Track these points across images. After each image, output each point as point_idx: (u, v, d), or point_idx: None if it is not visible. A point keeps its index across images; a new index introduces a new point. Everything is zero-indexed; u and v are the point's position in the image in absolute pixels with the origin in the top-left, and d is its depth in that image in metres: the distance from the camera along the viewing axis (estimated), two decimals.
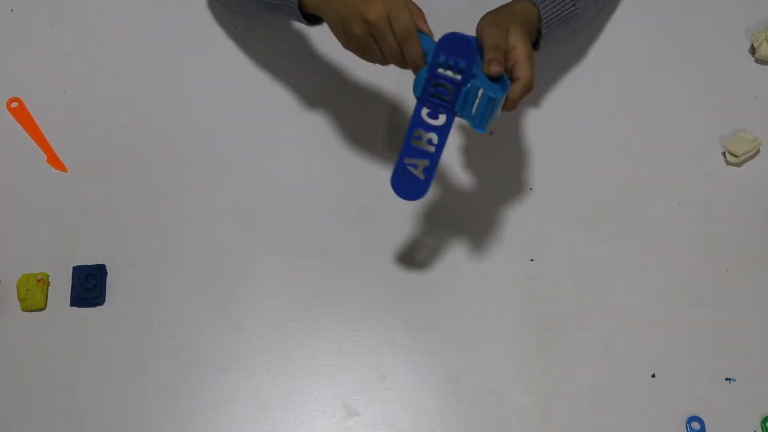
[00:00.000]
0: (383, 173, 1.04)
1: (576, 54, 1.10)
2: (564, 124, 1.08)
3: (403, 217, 1.02)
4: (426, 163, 0.87)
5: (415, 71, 0.85)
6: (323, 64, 1.10)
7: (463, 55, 0.82)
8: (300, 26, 1.10)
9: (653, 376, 0.95)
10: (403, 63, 0.86)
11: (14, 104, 1.07)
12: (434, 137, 0.86)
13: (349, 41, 0.88)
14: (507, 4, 0.94)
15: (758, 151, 1.06)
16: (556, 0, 0.96)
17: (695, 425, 0.93)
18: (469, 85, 0.83)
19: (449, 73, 0.83)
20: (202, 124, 1.07)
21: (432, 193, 1.02)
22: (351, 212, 1.02)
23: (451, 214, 1.02)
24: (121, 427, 0.92)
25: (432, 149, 0.86)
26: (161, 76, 1.09)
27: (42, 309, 0.97)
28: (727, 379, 0.95)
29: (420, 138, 0.86)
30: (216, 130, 1.07)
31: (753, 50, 1.12)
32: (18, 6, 1.14)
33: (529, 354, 0.96)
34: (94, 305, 0.97)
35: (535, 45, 0.95)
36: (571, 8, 0.98)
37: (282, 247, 1.00)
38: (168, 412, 0.93)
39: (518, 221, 1.02)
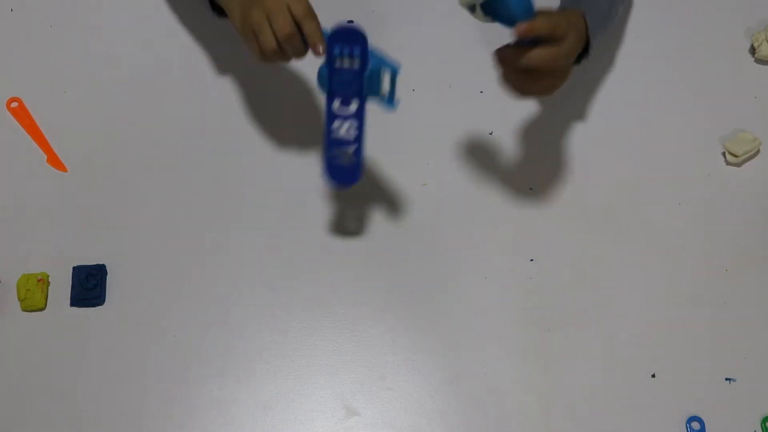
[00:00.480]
0: (383, 173, 1.04)
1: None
2: (564, 124, 1.08)
3: (403, 217, 1.02)
4: (351, 149, 0.90)
5: (316, 52, 0.86)
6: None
7: (355, 41, 0.86)
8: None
9: (653, 376, 0.95)
10: (289, 39, 0.86)
11: (14, 104, 1.07)
12: (353, 123, 0.90)
13: (244, 27, 0.89)
14: (566, 10, 0.94)
15: (758, 151, 1.06)
16: (597, 11, 0.96)
17: (695, 425, 0.93)
18: (368, 73, 0.87)
19: (346, 63, 0.87)
20: (202, 124, 1.07)
21: (432, 193, 1.02)
22: (351, 212, 1.02)
23: (451, 214, 1.02)
24: (121, 427, 0.92)
25: (353, 134, 0.90)
26: (161, 75, 1.09)
27: (42, 309, 0.97)
28: (727, 379, 0.95)
29: (339, 128, 0.90)
30: (216, 129, 1.07)
31: (753, 50, 1.12)
32: (18, 6, 1.14)
33: (529, 354, 0.96)
34: (94, 305, 0.97)
35: (581, 55, 0.94)
36: (608, 16, 0.99)
37: (282, 247, 1.00)
38: (168, 412, 0.93)
39: (518, 221, 1.02)
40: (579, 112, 1.09)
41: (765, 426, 0.93)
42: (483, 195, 1.04)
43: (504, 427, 0.93)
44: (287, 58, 0.89)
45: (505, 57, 0.86)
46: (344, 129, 0.90)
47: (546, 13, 0.85)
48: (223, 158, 1.05)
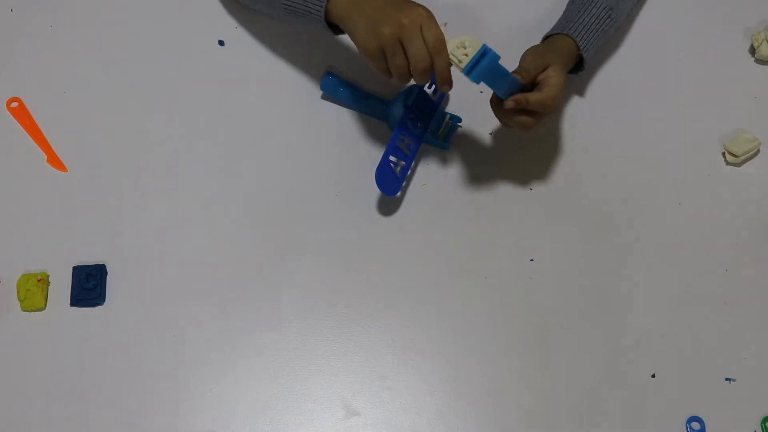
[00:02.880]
0: None
1: None
2: (564, 124, 1.08)
3: (403, 217, 1.02)
4: (403, 164, 1.00)
5: (442, 90, 0.92)
6: (324, 64, 1.10)
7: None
8: (299, 29, 1.11)
9: (653, 376, 0.95)
10: (423, 73, 0.89)
11: (14, 104, 1.07)
12: (412, 143, 1.01)
13: (371, 40, 0.89)
14: (549, 41, 1.02)
15: (758, 151, 1.06)
16: (590, 22, 1.03)
17: (695, 425, 0.93)
18: (439, 113, 1.05)
19: (429, 93, 1.02)
20: (202, 124, 1.07)
21: (432, 193, 1.02)
22: (351, 212, 1.02)
23: (452, 214, 1.02)
24: (121, 427, 0.92)
25: (408, 153, 1.01)
26: (161, 75, 1.09)
27: (42, 309, 0.97)
28: (727, 379, 0.95)
29: (403, 141, 1.00)
30: (216, 129, 1.07)
31: (753, 50, 1.12)
32: (18, 6, 1.14)
33: (529, 354, 0.96)
34: (94, 305, 0.97)
35: (580, 66, 1.04)
36: (607, 20, 1.04)
37: (282, 247, 1.00)
38: (168, 412, 0.93)
39: (518, 221, 1.02)
40: (579, 112, 1.09)
41: (765, 426, 0.93)
42: (483, 195, 1.04)
43: (504, 427, 0.93)
44: (407, 81, 0.91)
45: (500, 112, 0.97)
46: (404, 144, 1.00)
47: (520, 68, 0.96)
48: (223, 158, 1.05)
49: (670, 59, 1.11)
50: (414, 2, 0.90)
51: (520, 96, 0.94)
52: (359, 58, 1.08)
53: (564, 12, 1.07)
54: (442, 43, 0.88)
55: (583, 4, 1.04)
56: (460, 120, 1.06)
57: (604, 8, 1.03)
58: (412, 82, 0.91)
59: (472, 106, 1.08)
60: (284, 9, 0.98)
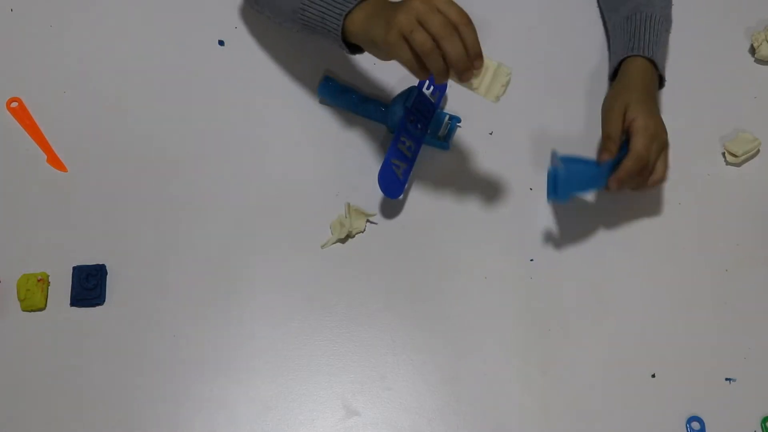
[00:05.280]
0: None
1: (575, 54, 1.10)
2: (564, 123, 1.08)
3: (403, 217, 1.02)
4: (405, 166, 1.00)
5: (475, 67, 0.85)
6: (324, 64, 1.10)
7: (439, 85, 1.04)
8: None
9: (653, 376, 0.95)
10: (451, 39, 0.82)
11: (14, 104, 1.07)
12: (412, 145, 1.01)
13: (389, 31, 0.84)
14: (622, 72, 1.01)
15: (758, 151, 1.06)
16: (658, 38, 1.02)
17: (695, 425, 0.93)
18: (437, 115, 1.04)
19: (428, 94, 1.02)
20: (201, 124, 1.07)
21: (432, 192, 1.02)
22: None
23: (452, 214, 1.02)
24: (121, 426, 0.92)
25: (410, 155, 1.00)
26: (161, 75, 1.09)
27: (42, 309, 0.97)
28: (727, 379, 0.95)
29: (404, 143, 1.00)
30: (216, 130, 1.07)
31: (753, 50, 1.12)
32: (18, 6, 1.14)
33: (529, 354, 0.96)
34: (94, 305, 0.97)
35: (660, 83, 1.04)
36: (665, 27, 1.05)
37: (282, 247, 1.00)
38: (168, 412, 0.93)
39: (518, 221, 1.02)
40: (579, 112, 1.09)
41: (765, 426, 0.93)
42: (483, 195, 1.04)
43: (504, 427, 0.93)
44: (443, 68, 0.84)
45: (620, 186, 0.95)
46: (405, 146, 1.00)
47: (603, 137, 0.97)
48: (223, 158, 1.05)
49: (670, 59, 1.11)
50: None
51: (617, 176, 0.93)
52: (356, 61, 1.09)
53: (613, 36, 1.06)
54: (465, 15, 0.83)
55: (641, 21, 1.02)
56: (459, 120, 1.06)
57: (659, 20, 1.03)
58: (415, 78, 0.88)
59: (471, 106, 1.08)
60: (302, 24, 0.98)
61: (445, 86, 1.06)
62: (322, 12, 0.93)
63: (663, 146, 0.97)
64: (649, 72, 1.00)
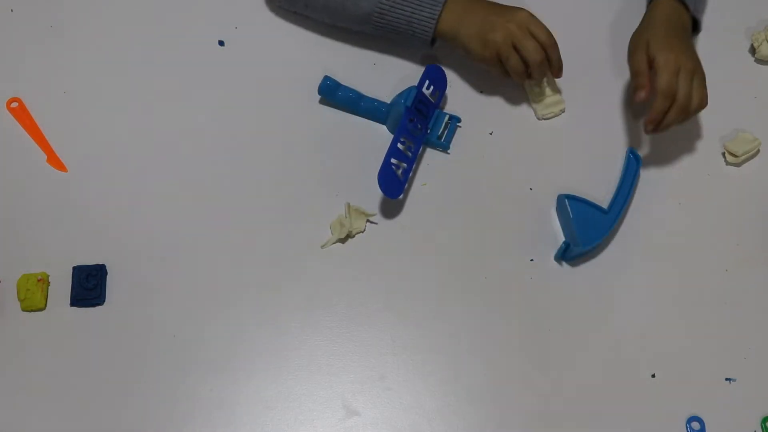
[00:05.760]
0: None
1: (575, 54, 1.10)
2: (564, 123, 1.08)
3: (402, 217, 1.02)
4: (404, 166, 1.00)
5: (557, 77, 1.03)
6: (323, 65, 1.10)
7: (440, 80, 1.05)
8: (299, 30, 1.11)
9: (653, 376, 0.95)
10: (541, 65, 1.00)
11: (14, 104, 1.07)
12: (412, 145, 1.01)
13: (486, 48, 1.00)
14: (647, 12, 1.04)
15: (758, 151, 1.06)
16: None
17: (695, 425, 0.93)
18: (436, 114, 1.05)
19: (428, 93, 1.03)
20: (201, 124, 1.07)
21: (432, 192, 1.02)
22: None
23: (451, 214, 1.02)
24: (121, 427, 0.92)
25: (410, 155, 1.00)
26: (161, 75, 1.09)
27: (42, 309, 0.97)
28: (727, 379, 0.95)
29: (404, 143, 0.99)
30: (216, 129, 1.07)
31: (753, 50, 1.12)
32: (18, 6, 1.14)
33: (529, 354, 0.96)
34: (94, 305, 0.97)
35: (694, 27, 1.06)
36: None
37: (282, 247, 1.00)
38: (168, 412, 0.93)
39: (518, 221, 1.02)
40: (578, 112, 1.09)
41: (765, 426, 0.93)
42: (483, 195, 1.04)
43: (504, 427, 0.93)
44: (525, 79, 1.02)
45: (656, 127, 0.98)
46: (405, 146, 1.00)
47: (632, 75, 0.98)
48: (223, 158, 1.05)
49: None
50: (513, 7, 1.00)
51: (650, 117, 0.96)
52: (357, 61, 1.09)
53: None
54: (551, 37, 1.00)
55: None
56: (459, 120, 1.06)
57: None
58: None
59: (471, 107, 1.08)
60: (377, 27, 1.03)
61: (444, 86, 1.06)
62: (409, 16, 1.00)
63: (691, 74, 0.97)
64: (676, 12, 1.01)
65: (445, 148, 1.05)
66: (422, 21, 1.00)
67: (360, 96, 1.06)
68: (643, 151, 1.04)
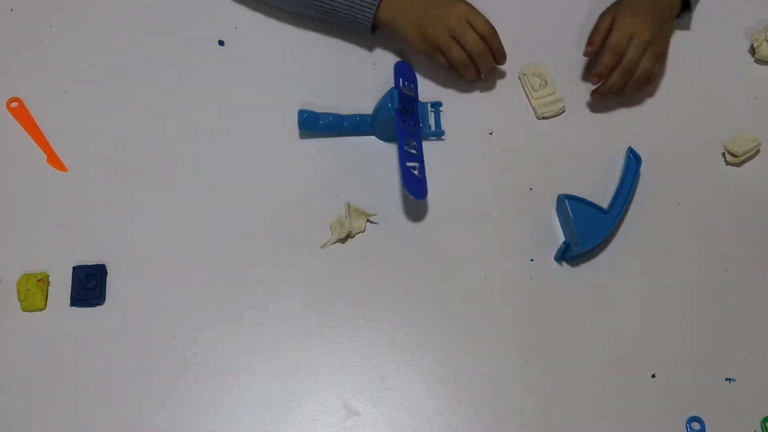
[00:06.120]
0: (382, 174, 1.04)
1: (576, 53, 1.10)
2: (564, 123, 1.08)
3: (402, 216, 1.02)
4: (418, 164, 1.00)
5: (500, 63, 1.04)
6: (323, 65, 1.10)
7: (410, 74, 1.05)
8: (299, 31, 1.11)
9: (653, 376, 0.95)
10: (483, 55, 1.01)
11: (14, 104, 1.07)
12: (415, 143, 1.00)
13: (425, 43, 1.01)
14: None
15: (758, 151, 1.06)
16: None
17: (695, 425, 0.93)
18: (418, 102, 1.04)
19: (405, 89, 1.02)
20: (201, 124, 1.07)
21: (432, 192, 1.02)
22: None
23: (451, 214, 1.02)
24: (121, 427, 0.92)
25: (417, 153, 1.00)
26: (161, 75, 1.09)
27: (42, 309, 0.97)
28: (727, 379, 0.95)
29: (408, 143, 0.99)
30: (216, 129, 1.07)
31: (753, 50, 1.12)
32: (18, 6, 1.14)
33: (529, 354, 0.96)
34: (94, 305, 0.97)
35: (686, 6, 1.09)
36: None
37: (282, 247, 1.00)
38: (168, 411, 0.93)
39: (518, 221, 1.02)
40: (578, 112, 1.09)
41: (765, 426, 0.93)
42: (483, 195, 1.04)
43: (504, 427, 0.93)
44: (476, 74, 1.04)
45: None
46: (411, 146, 1.00)
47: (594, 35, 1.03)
48: (223, 158, 1.05)
49: (670, 59, 1.11)
50: (453, 0, 1.00)
51: (595, 70, 1.01)
52: (357, 60, 1.09)
53: None
54: (492, 27, 1.01)
55: None
56: (441, 105, 1.07)
57: None
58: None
59: (471, 107, 1.08)
60: (320, 11, 1.04)
61: (415, 78, 1.06)
62: (350, 3, 1.01)
63: (645, 44, 1.00)
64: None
65: (439, 135, 1.05)
66: (363, 7, 1.02)
67: (341, 117, 1.04)
68: (643, 151, 1.04)
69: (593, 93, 1.06)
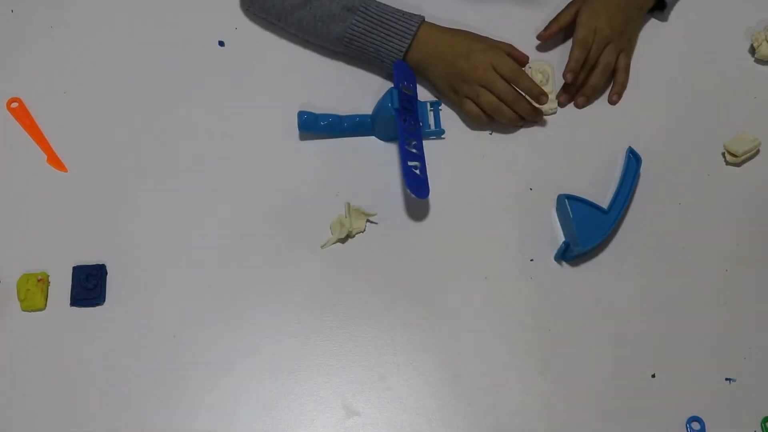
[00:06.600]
0: (382, 174, 1.04)
1: None
2: (563, 123, 1.08)
3: (402, 216, 1.02)
4: (418, 164, 0.99)
5: (540, 102, 1.03)
6: (323, 66, 1.10)
7: (409, 74, 1.03)
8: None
9: (653, 376, 0.95)
10: (516, 101, 1.02)
11: (14, 104, 1.07)
12: (416, 143, 1.00)
13: (455, 97, 1.04)
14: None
15: (758, 151, 1.06)
16: None
17: (695, 425, 0.93)
18: (418, 102, 1.04)
19: (404, 89, 1.01)
20: (202, 124, 1.07)
21: (432, 192, 1.02)
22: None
23: (451, 214, 1.02)
24: (121, 427, 0.92)
25: (418, 152, 1.00)
26: (161, 75, 1.09)
27: (42, 309, 0.97)
28: (727, 379, 0.95)
29: (409, 143, 0.99)
30: (216, 129, 1.07)
31: (753, 50, 1.12)
32: (18, 6, 1.14)
33: (529, 354, 0.96)
34: (94, 305, 0.97)
35: (661, 4, 1.11)
36: None
37: (282, 247, 1.00)
38: (168, 411, 0.93)
39: (518, 221, 1.02)
40: (579, 112, 1.09)
41: (765, 426, 0.93)
42: (483, 195, 1.03)
43: (504, 427, 0.93)
44: (515, 116, 1.04)
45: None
46: (411, 146, 1.00)
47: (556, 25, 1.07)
48: (224, 158, 1.05)
49: (670, 59, 1.11)
50: (477, 47, 1.02)
51: (568, 67, 1.02)
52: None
53: None
54: (517, 70, 1.02)
55: None
56: (440, 104, 1.07)
57: None
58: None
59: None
60: (347, 49, 1.05)
61: (414, 77, 1.04)
62: (378, 45, 1.03)
63: (605, 40, 1.04)
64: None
65: (439, 134, 1.06)
66: (390, 52, 1.03)
67: (340, 118, 1.04)
68: (643, 151, 1.04)
69: (574, 103, 1.08)
